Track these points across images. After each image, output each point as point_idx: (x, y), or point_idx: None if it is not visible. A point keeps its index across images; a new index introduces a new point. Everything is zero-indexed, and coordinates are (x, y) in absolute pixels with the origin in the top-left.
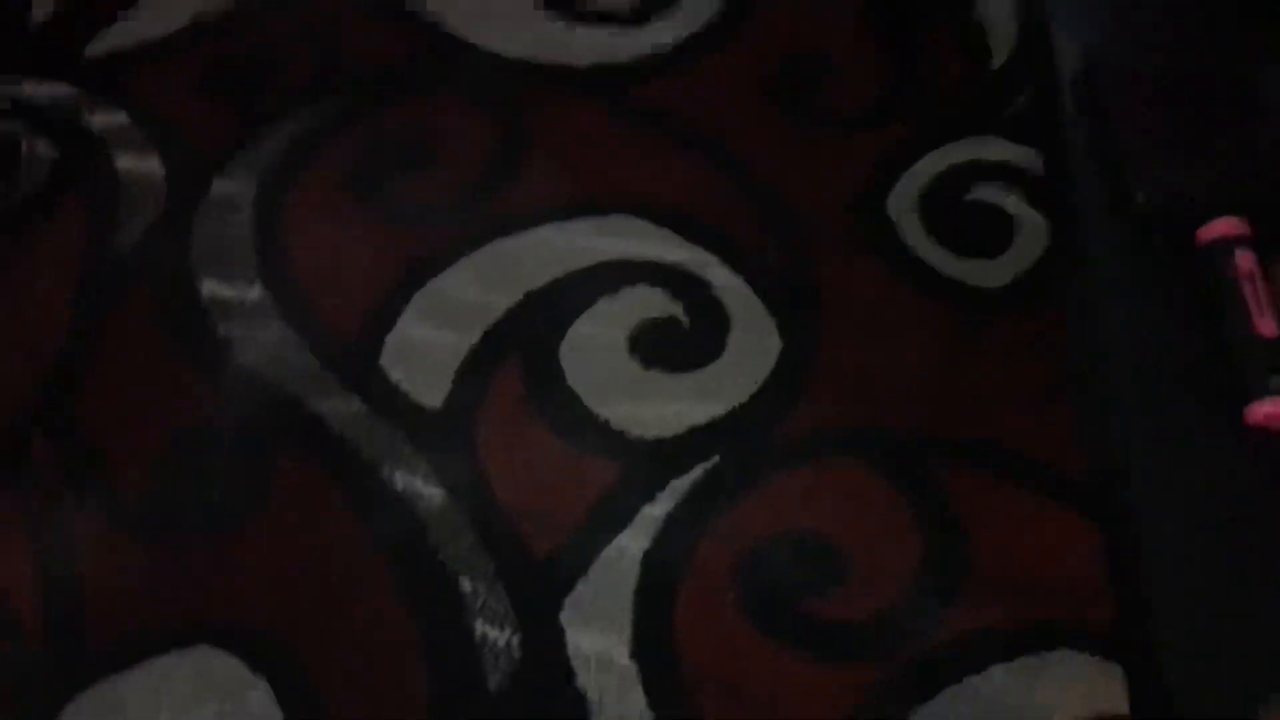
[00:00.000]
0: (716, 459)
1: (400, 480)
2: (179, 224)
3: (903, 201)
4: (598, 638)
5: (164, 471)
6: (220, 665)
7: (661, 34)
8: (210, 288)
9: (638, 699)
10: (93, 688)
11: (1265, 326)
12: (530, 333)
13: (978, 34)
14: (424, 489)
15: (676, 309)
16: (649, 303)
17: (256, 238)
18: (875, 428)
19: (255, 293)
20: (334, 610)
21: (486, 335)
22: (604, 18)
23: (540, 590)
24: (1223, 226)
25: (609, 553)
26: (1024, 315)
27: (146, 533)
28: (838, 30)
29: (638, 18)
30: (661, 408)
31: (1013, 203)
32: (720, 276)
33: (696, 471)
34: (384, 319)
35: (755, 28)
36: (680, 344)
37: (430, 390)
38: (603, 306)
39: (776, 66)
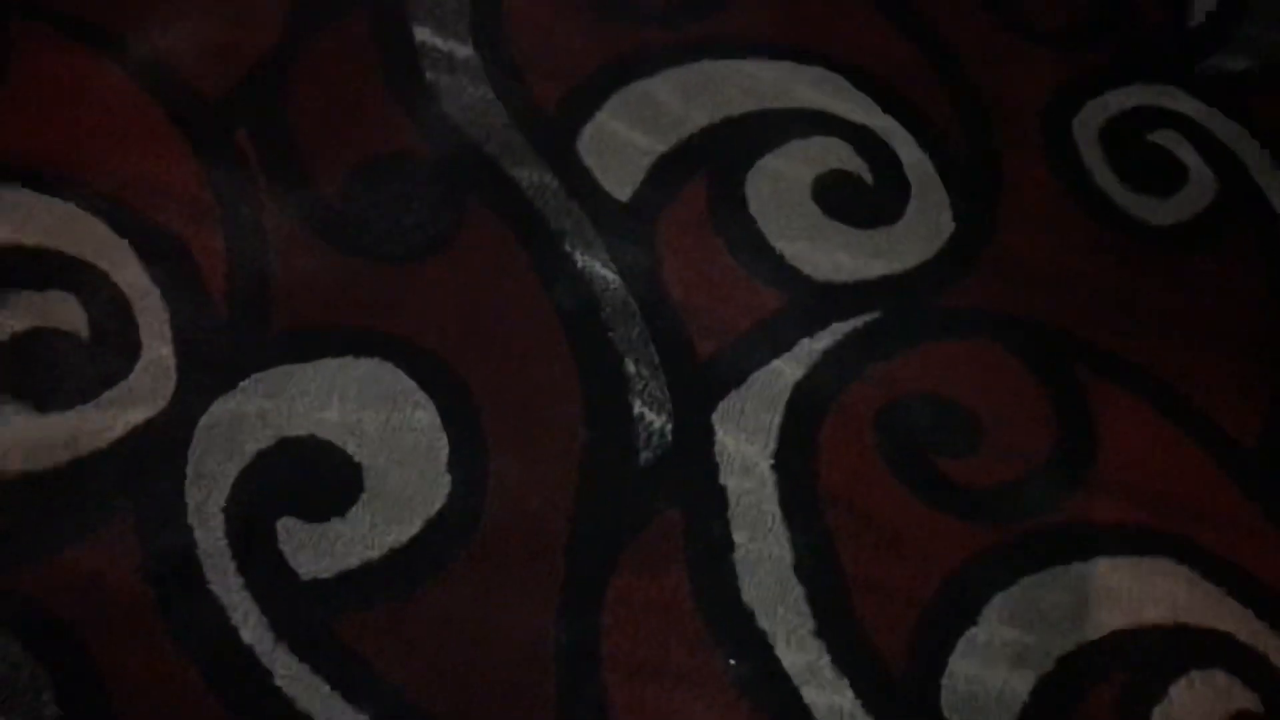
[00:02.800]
0: (879, 313)
1: (581, 258)
2: None
3: (1087, 127)
4: (744, 443)
5: (360, 187)
6: (392, 379)
7: None
8: (423, 35)
9: (772, 505)
10: (271, 369)
11: None
12: (722, 154)
13: None
14: (602, 271)
15: (863, 168)
16: (838, 155)
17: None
18: (1032, 320)
19: (465, 51)
20: (505, 356)
21: (680, 146)
22: None
23: (697, 388)
24: None
25: (765, 371)
26: (1189, 258)
27: (337, 239)
28: None
29: None
30: (835, 255)
31: (1188, 153)
32: (908, 149)
33: (858, 320)
34: (584, 106)
35: None
36: (861, 201)
37: (620, 184)
38: (794, 147)
39: None
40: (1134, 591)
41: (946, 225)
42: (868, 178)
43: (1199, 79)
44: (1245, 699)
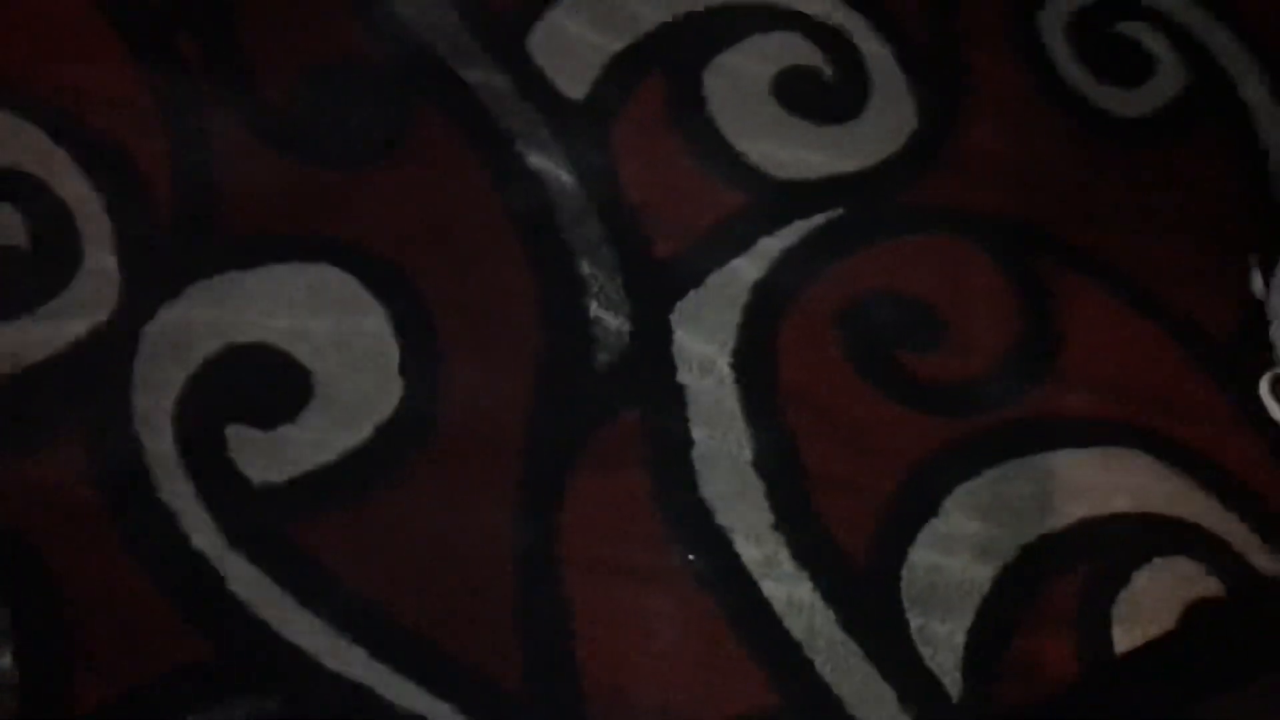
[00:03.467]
0: (841, 211)
1: (534, 160)
2: None
3: (1053, 18)
4: (703, 343)
5: (307, 91)
6: (340, 284)
7: None
8: None
9: (732, 403)
10: (217, 276)
11: None
12: (678, 52)
13: None
14: (557, 172)
15: (823, 64)
16: (798, 51)
17: None
18: (997, 215)
19: None
20: (457, 260)
21: (635, 44)
22: None
23: (655, 288)
24: None
25: (724, 271)
26: (1157, 150)
27: (283, 145)
28: None
29: None
30: (796, 152)
31: (1158, 42)
32: (869, 42)
33: (820, 218)
34: (536, 3)
35: None
36: (822, 98)
37: (573, 83)
38: (753, 43)
39: None
40: (1100, 481)
41: (909, 121)
42: (829, 73)
43: None
44: (1208, 586)
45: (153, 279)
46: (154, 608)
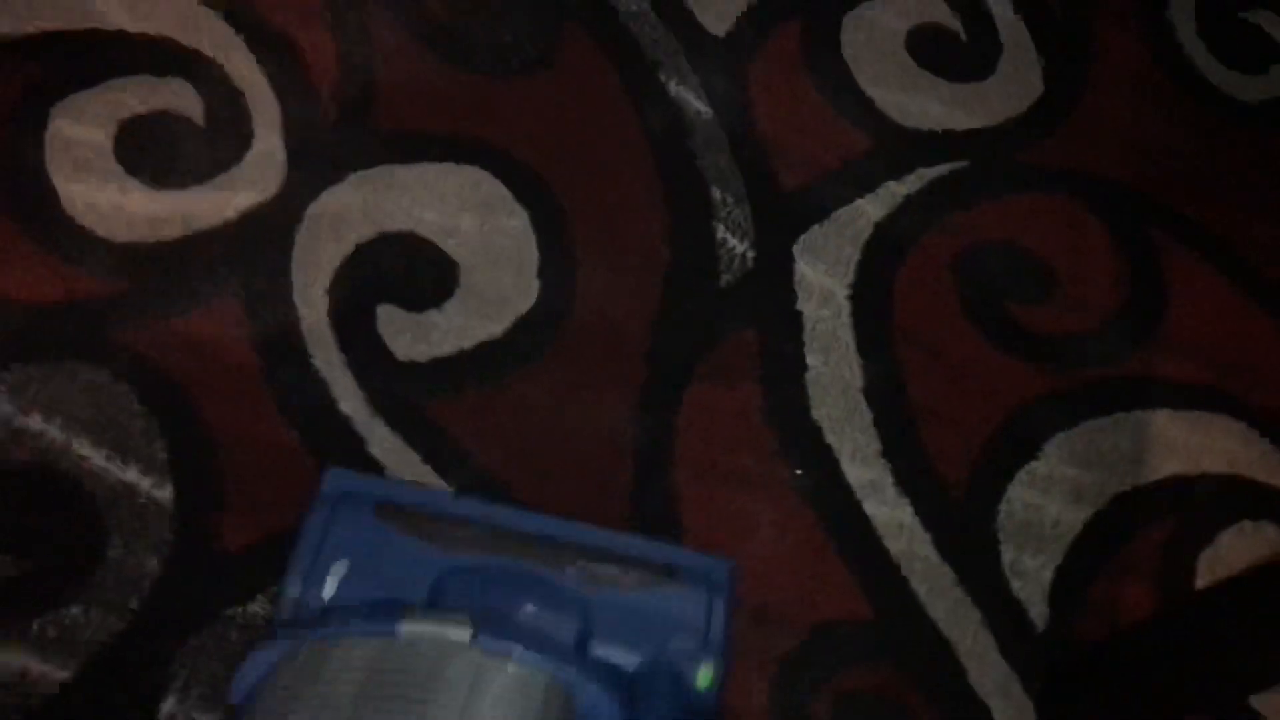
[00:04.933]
0: (965, 163)
1: (673, 87)
2: None
3: (1181, 6)
4: (823, 275)
5: (465, 2)
6: (489, 188)
7: None
8: None
9: (846, 333)
10: (375, 168)
11: None
12: (820, 1)
13: None
14: (694, 101)
15: (957, 24)
16: (934, 9)
17: None
18: (1113, 181)
19: None
20: (596, 174)
21: None
22: None
23: (781, 219)
24: None
25: (848, 209)
26: (1273, 135)
27: (442, 50)
28: None
29: None
30: (925, 104)
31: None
32: (1003, 7)
33: (944, 168)
34: None
35: None
36: (954, 55)
37: (716, 20)
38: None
39: None
40: (1192, 443)
41: (1036, 86)
42: (962, 33)
43: None
44: None
45: (316, 164)
46: (300, 463)
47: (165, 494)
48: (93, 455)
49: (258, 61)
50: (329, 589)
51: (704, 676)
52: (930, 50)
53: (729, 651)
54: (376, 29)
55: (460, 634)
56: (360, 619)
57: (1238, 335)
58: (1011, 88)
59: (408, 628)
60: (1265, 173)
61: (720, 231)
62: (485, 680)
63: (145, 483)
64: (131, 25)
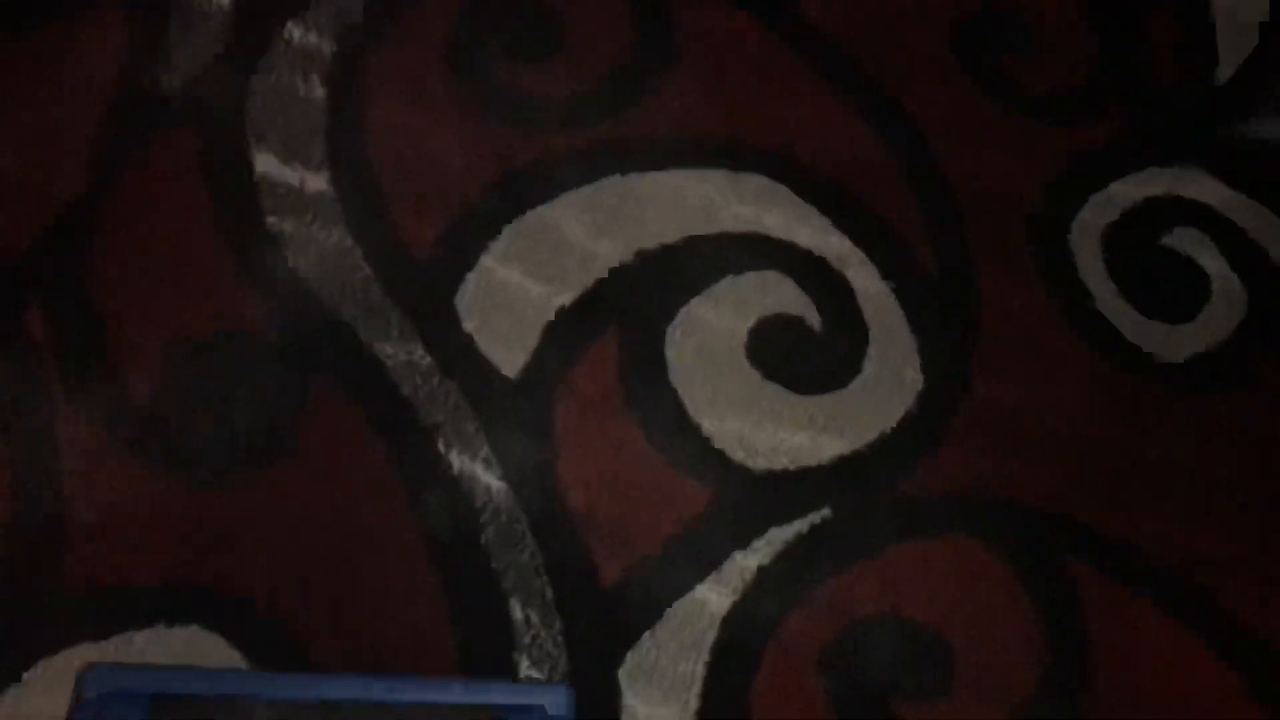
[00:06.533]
0: (827, 512)
1: (457, 460)
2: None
3: (1087, 232)
4: (658, 706)
5: (178, 379)
6: (212, 648)
7: None
8: (265, 164)
9: None
10: (62, 651)
11: None
12: (637, 303)
13: (1204, 34)
14: (484, 476)
15: (809, 309)
16: (779, 295)
17: (329, 111)
18: (1017, 501)
19: (319, 183)
20: (354, 602)
21: (586, 295)
22: None
23: (601, 632)
24: None
25: (685, 603)
26: (1203, 400)
27: (149, 453)
28: None
29: None
30: (775, 433)
31: (1211, 257)
32: (865, 276)
33: (803, 523)
34: (467, 248)
35: None
36: (808, 355)
37: (509, 352)
38: (725, 288)
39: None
40: None
41: (912, 381)
42: (815, 322)
43: (1222, 150)
44: None
45: None
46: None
47: None
48: None
49: None
50: None
51: None
52: (778, 353)
53: None
54: (63, 435)
55: None
56: None
57: (1188, 693)
58: (882, 390)
59: None
60: (1204, 452)
61: (524, 666)
62: None
63: None
64: None
